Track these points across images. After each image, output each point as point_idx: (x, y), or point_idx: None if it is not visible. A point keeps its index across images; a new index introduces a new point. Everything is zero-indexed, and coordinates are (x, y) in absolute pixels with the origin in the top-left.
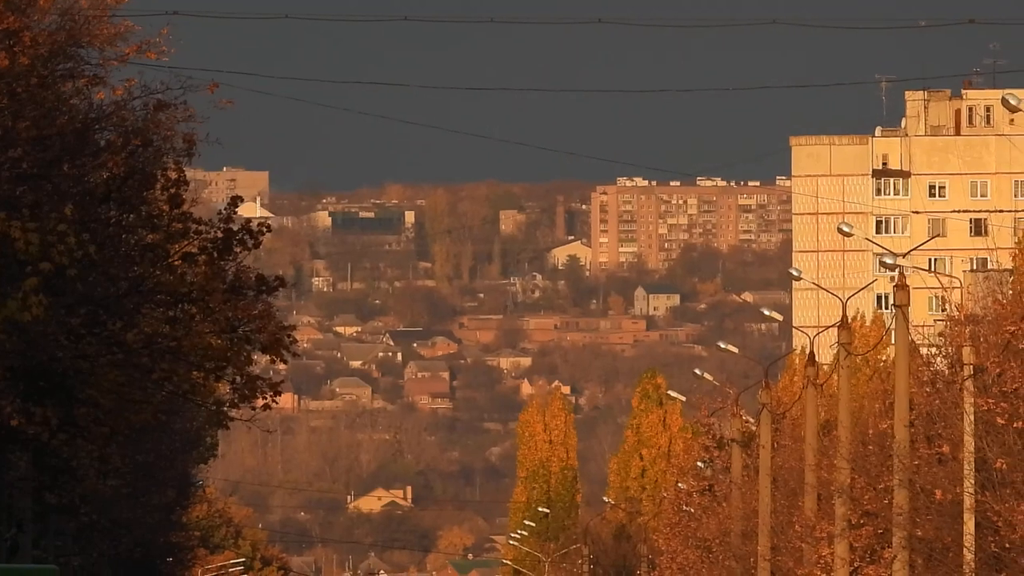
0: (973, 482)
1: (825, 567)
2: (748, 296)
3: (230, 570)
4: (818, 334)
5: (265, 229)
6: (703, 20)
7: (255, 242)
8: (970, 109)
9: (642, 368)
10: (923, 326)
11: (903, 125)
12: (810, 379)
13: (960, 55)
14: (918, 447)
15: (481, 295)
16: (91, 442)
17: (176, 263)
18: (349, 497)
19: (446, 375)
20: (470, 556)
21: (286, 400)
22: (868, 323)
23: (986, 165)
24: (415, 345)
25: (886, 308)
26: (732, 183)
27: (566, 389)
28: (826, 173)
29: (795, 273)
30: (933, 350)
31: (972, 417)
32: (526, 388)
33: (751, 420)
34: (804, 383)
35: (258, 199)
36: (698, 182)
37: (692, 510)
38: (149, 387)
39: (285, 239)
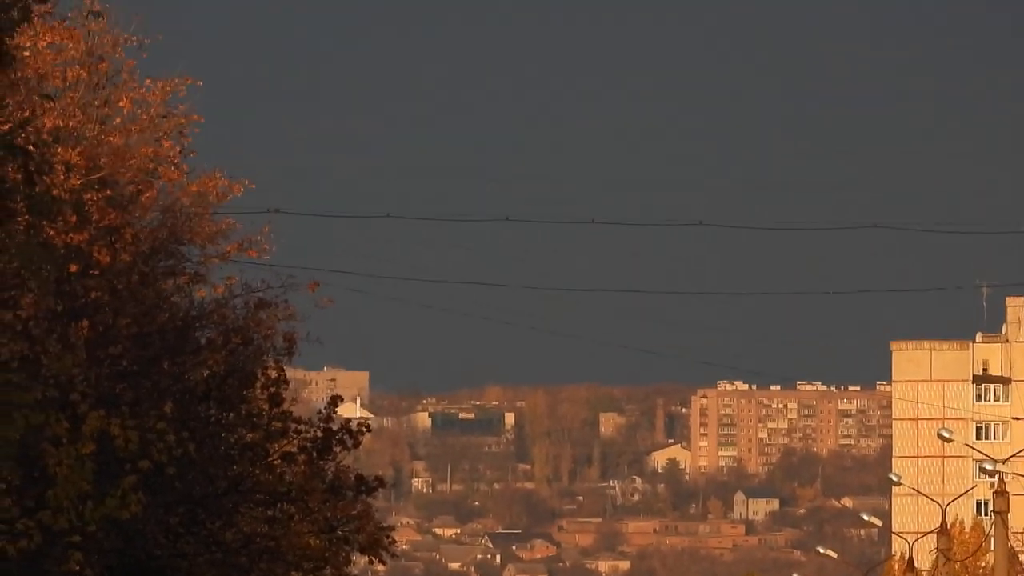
0: None
1: None
2: (847, 501)
3: None
4: (917, 540)
5: (365, 429)
6: (805, 223)
7: (355, 442)
8: None
9: (741, 573)
10: (1023, 532)
11: (1004, 331)
12: None
13: None
14: None
15: (580, 498)
16: None
17: (275, 463)
18: None
19: None
20: None
21: None
22: (968, 529)
23: None
24: (514, 547)
25: (986, 514)
26: (832, 387)
27: None
28: (926, 378)
29: (895, 478)
30: None
31: None
32: None
33: None
34: None
35: (358, 399)
36: (798, 386)
37: None
38: None
39: (385, 440)
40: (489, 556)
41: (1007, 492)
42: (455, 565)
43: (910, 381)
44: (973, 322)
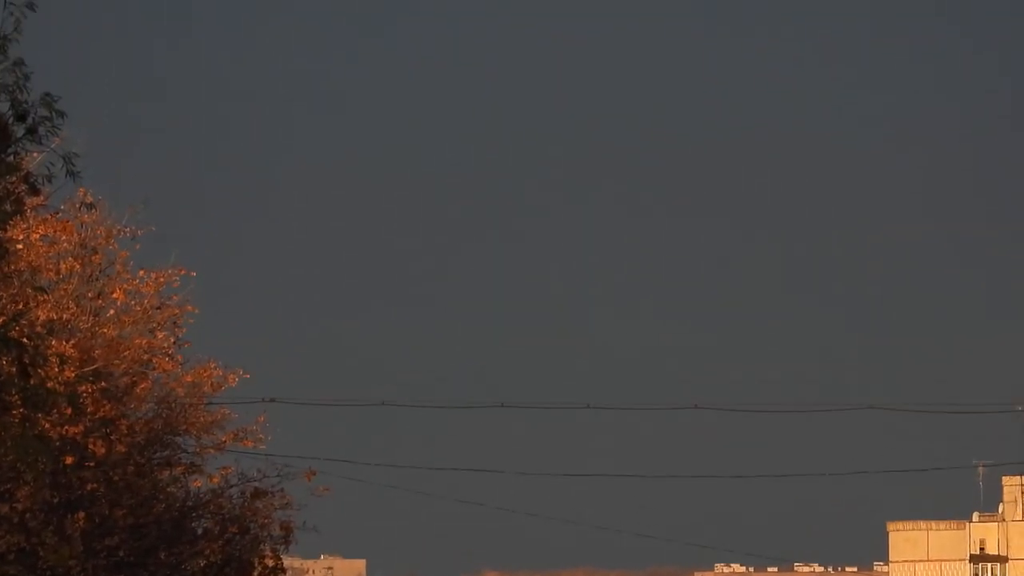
0: None
1: None
2: None
3: None
4: None
5: None
6: (800, 405)
7: None
8: None
9: None
10: None
11: (1000, 510)
12: None
13: None
14: None
15: None
16: None
17: None
18: None
19: None
20: None
21: None
22: None
23: None
24: None
25: None
26: (830, 568)
27: None
28: (923, 558)
29: None
30: None
31: None
32: None
33: None
34: None
35: None
36: (795, 568)
37: None
38: None
39: None
40: None
41: None
42: None
43: (907, 561)
44: (970, 501)
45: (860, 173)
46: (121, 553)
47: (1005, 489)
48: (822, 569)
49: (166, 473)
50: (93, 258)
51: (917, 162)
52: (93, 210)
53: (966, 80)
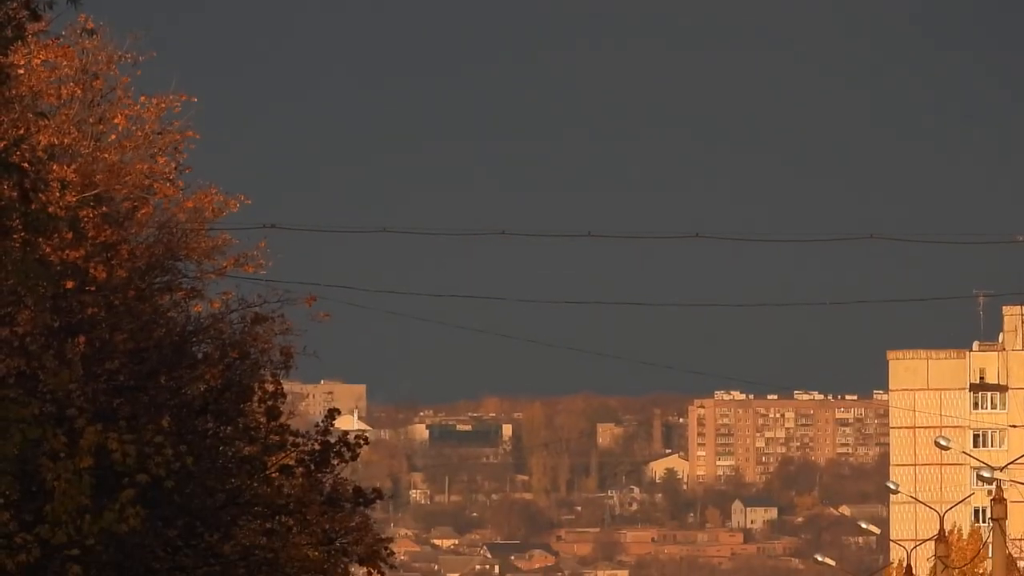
0: None
1: None
2: (845, 509)
3: None
4: (915, 547)
5: (363, 442)
6: (801, 235)
7: (352, 455)
8: None
9: None
10: (1021, 539)
11: (1000, 340)
12: None
13: None
14: None
15: (578, 508)
16: None
17: (274, 475)
18: None
19: None
20: None
21: None
22: (966, 536)
23: None
24: (512, 558)
25: (984, 521)
26: (829, 397)
27: None
28: (923, 387)
29: (892, 486)
30: None
31: None
32: None
33: None
34: None
35: (355, 412)
36: (795, 396)
37: None
38: None
39: (383, 452)
40: (488, 566)
41: (1005, 499)
42: (454, 575)
43: (907, 390)
44: (970, 331)
45: None
46: (121, 377)
47: (1005, 319)
48: (822, 397)
49: (167, 298)
50: (94, 83)
51: None
52: (94, 36)
53: None
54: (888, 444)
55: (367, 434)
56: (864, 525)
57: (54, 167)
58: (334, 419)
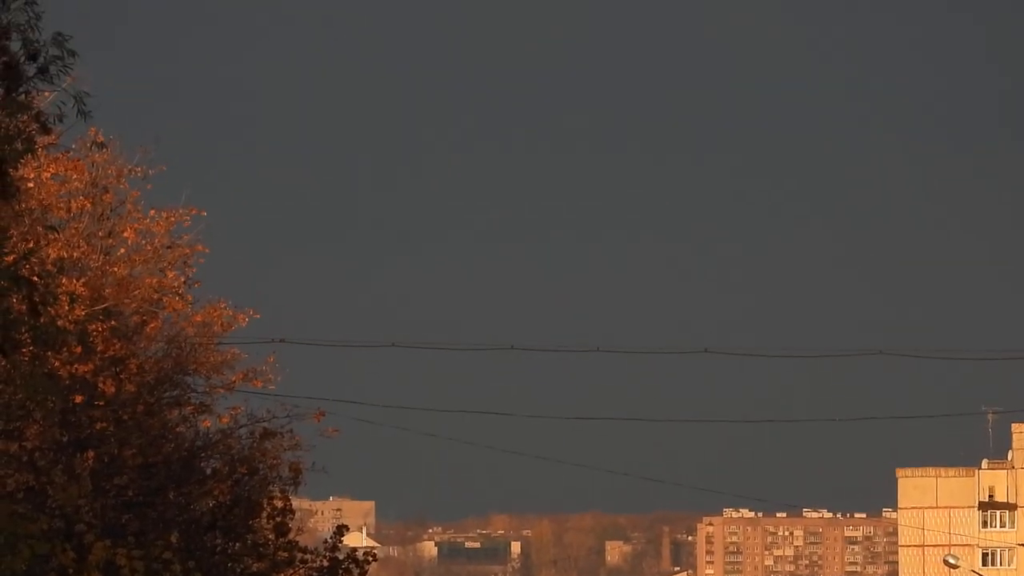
0: None
1: None
2: None
3: None
4: None
5: (371, 559)
6: (809, 351)
7: (361, 571)
8: None
9: None
10: None
11: (1010, 457)
12: None
13: None
14: None
15: None
16: None
17: None
18: None
19: None
20: None
21: None
22: None
23: None
24: None
25: None
26: (838, 515)
27: None
28: (932, 505)
29: None
30: None
31: None
32: None
33: None
34: None
35: (364, 529)
36: (804, 513)
37: None
38: None
39: (391, 569)
40: None
41: None
42: None
43: (916, 508)
44: (979, 448)
45: None
46: (130, 492)
47: (1015, 436)
48: (831, 515)
49: (175, 413)
50: (104, 197)
51: None
52: (104, 149)
53: None
54: (897, 562)
55: (376, 551)
56: None
57: (63, 280)
58: (342, 536)
